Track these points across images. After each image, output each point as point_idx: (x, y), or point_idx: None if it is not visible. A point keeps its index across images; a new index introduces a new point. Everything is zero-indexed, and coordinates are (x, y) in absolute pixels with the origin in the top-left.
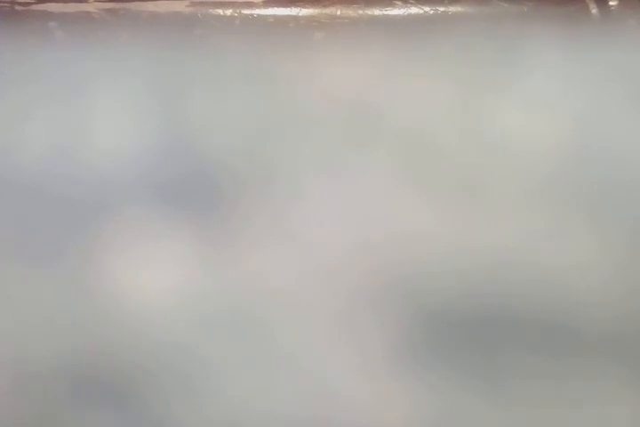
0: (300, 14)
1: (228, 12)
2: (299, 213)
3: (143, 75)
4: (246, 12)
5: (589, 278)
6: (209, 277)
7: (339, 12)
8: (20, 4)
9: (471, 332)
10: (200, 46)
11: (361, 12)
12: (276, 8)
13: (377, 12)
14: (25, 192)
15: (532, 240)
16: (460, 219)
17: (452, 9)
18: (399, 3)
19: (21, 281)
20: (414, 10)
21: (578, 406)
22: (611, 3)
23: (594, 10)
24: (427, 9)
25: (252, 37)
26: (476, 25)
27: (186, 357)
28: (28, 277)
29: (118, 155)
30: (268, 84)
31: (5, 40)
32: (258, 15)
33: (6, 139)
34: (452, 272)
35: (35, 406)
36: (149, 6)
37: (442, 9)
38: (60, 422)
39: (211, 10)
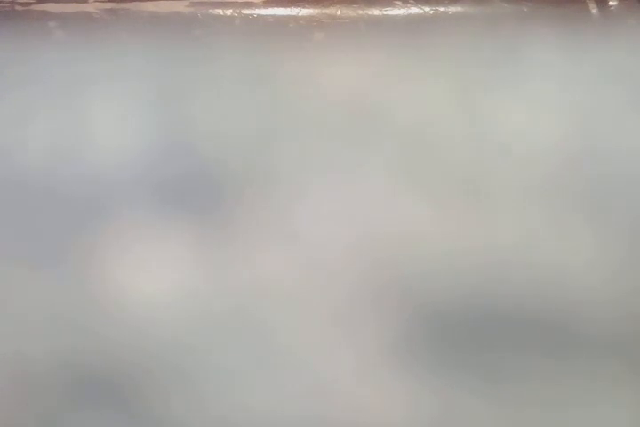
0: (300, 14)
1: (228, 12)
2: (299, 212)
3: (143, 75)
4: (246, 12)
5: (589, 278)
6: (209, 276)
7: (339, 12)
8: (19, 4)
9: (470, 331)
10: (200, 46)
11: (361, 12)
12: (276, 8)
13: (377, 12)
14: (25, 192)
15: (531, 240)
16: (460, 218)
17: (452, 9)
18: (399, 3)
19: (22, 281)
20: (414, 10)
21: (577, 406)
22: (611, 3)
23: (594, 10)
24: (427, 9)
25: (251, 37)
26: (475, 25)
27: (186, 356)
28: (28, 277)
29: (119, 155)
30: (267, 84)
31: (5, 40)
32: (258, 15)
33: (6, 139)
34: (451, 271)
35: (36, 406)
36: (149, 6)
37: (442, 9)
38: (61, 422)
39: (211, 10)
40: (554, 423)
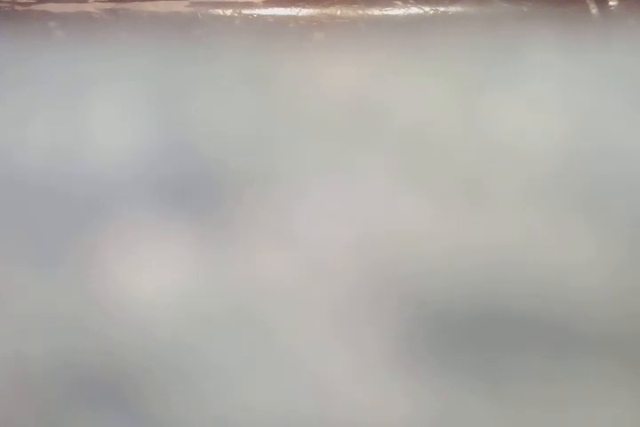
0: (300, 14)
1: (228, 12)
2: (299, 212)
3: (143, 75)
4: (246, 12)
5: (589, 277)
6: (209, 276)
7: (339, 12)
8: (19, 4)
9: (470, 330)
10: (200, 46)
11: (361, 12)
12: (276, 8)
13: (377, 12)
14: (26, 192)
15: (531, 239)
16: (460, 218)
17: (452, 9)
18: (399, 3)
19: (22, 280)
20: (414, 10)
21: (577, 406)
22: (611, 3)
23: (594, 10)
24: (427, 9)
25: (251, 37)
26: (475, 25)
27: (186, 356)
28: (28, 277)
29: (119, 155)
30: (267, 84)
31: (5, 40)
32: (258, 15)
33: (7, 139)
34: (451, 271)
35: (36, 406)
36: (149, 6)
37: (442, 9)
38: (61, 422)
39: (211, 10)
40: (554, 423)
